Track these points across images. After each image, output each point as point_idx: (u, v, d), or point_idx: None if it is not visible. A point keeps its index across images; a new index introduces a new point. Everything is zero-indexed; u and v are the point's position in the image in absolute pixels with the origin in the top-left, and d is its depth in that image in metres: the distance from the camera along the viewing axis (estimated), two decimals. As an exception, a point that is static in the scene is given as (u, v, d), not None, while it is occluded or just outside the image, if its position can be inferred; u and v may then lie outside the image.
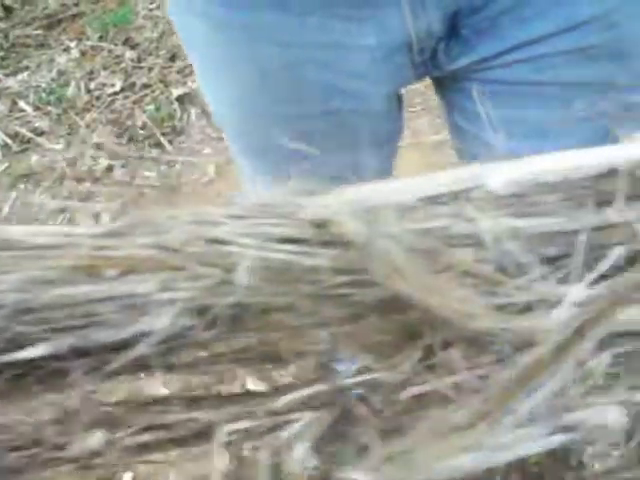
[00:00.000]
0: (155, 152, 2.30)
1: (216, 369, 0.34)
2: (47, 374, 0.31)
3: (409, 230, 0.30)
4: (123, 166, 2.29)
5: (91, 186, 2.27)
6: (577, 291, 0.30)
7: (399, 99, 0.94)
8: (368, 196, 0.32)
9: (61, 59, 2.53)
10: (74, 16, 2.63)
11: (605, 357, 0.31)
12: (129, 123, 2.35)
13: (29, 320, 0.30)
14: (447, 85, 0.91)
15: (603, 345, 0.31)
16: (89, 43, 2.56)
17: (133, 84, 2.43)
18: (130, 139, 2.33)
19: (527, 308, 0.31)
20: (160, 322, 0.31)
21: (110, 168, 2.29)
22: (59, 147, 2.33)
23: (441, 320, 0.30)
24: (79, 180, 2.28)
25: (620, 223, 0.33)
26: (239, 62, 0.86)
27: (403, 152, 2.12)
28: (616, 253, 0.31)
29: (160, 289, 0.31)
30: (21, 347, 0.30)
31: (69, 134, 2.36)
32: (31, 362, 0.31)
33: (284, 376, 0.35)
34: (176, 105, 2.34)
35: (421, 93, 2.15)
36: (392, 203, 0.32)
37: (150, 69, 2.43)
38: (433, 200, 0.33)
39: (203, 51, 0.90)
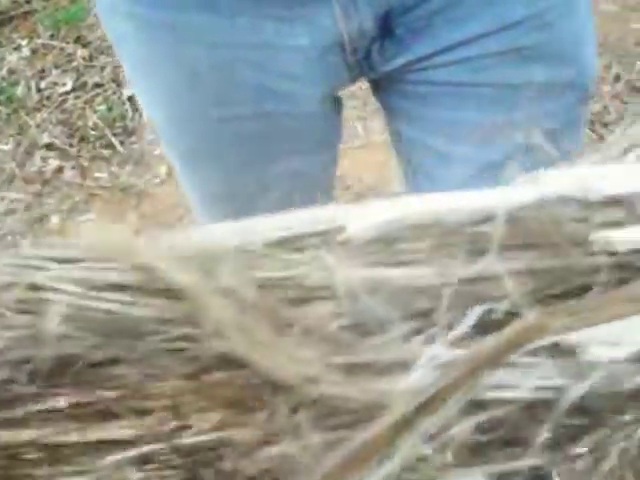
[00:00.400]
0: (106, 153, 2.25)
1: (45, 426, 0.30)
2: None
3: (247, 280, 0.27)
4: (73, 167, 2.24)
5: (41, 187, 2.22)
6: (434, 353, 0.27)
7: (336, 102, 0.92)
8: (209, 239, 0.29)
9: (12, 57, 2.47)
10: (26, 13, 2.57)
11: (468, 425, 0.28)
12: (80, 123, 2.30)
13: None
14: (383, 87, 0.90)
15: (466, 412, 0.28)
16: (40, 41, 2.50)
17: (85, 83, 2.38)
18: (81, 140, 2.28)
19: (384, 370, 0.28)
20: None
21: (60, 169, 2.24)
22: (8, 147, 2.28)
23: (281, 383, 0.27)
24: (29, 181, 2.23)
25: (495, 276, 0.30)
26: (165, 63, 0.84)
27: (355, 152, 2.11)
28: (478, 311, 0.27)
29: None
30: None
31: (19, 134, 2.30)
32: None
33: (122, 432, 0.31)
34: (128, 105, 2.29)
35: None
36: (234, 247, 0.28)
37: (102, 68, 2.38)
38: (284, 244, 0.30)
39: (130, 51, 0.88)
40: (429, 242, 0.30)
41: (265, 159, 0.91)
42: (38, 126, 2.31)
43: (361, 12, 0.77)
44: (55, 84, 2.40)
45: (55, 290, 0.28)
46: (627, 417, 0.31)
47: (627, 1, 2.40)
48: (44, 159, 2.26)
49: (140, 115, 2.28)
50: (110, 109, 2.31)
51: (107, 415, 0.30)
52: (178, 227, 2.10)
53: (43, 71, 2.43)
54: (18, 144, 2.28)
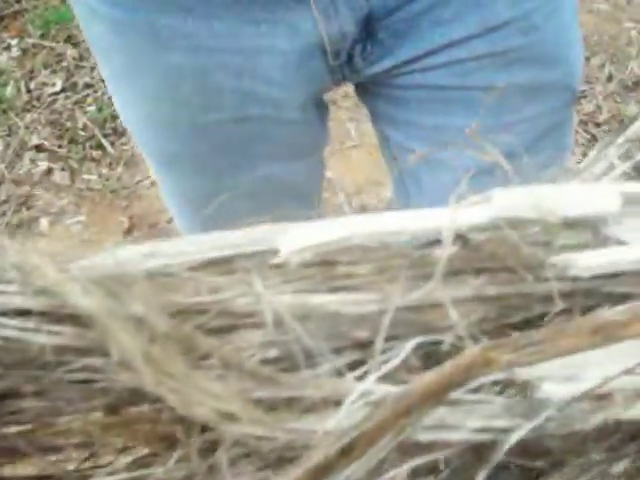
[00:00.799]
0: (96, 154, 2.22)
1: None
2: None
3: (160, 306, 0.24)
4: (63, 169, 2.21)
5: (30, 189, 2.19)
6: (365, 389, 0.24)
7: (320, 107, 0.89)
8: (122, 262, 0.26)
9: (1, 57, 2.44)
10: (16, 13, 2.54)
11: (405, 469, 0.25)
12: (70, 124, 2.27)
13: None
14: (370, 91, 0.88)
15: (402, 455, 0.25)
16: (30, 41, 2.47)
17: (75, 84, 2.35)
18: (71, 141, 2.25)
19: (311, 408, 0.25)
20: None
21: (50, 170, 2.21)
22: (-3, 149, 2.25)
23: (195, 420, 0.24)
24: (18, 183, 2.20)
25: (440, 303, 0.27)
26: (144, 67, 0.81)
27: (350, 154, 2.08)
28: (414, 343, 0.25)
29: None
30: None
31: (8, 135, 2.28)
32: None
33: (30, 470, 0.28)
34: (118, 106, 2.26)
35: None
36: (150, 271, 0.26)
37: (92, 68, 2.35)
38: (212, 266, 0.27)
39: (107, 54, 0.85)
40: (370, 266, 0.28)
41: (246, 165, 0.88)
42: (27, 127, 2.28)
43: (341, 15, 0.74)
44: (45, 84, 2.37)
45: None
46: (592, 458, 0.29)
47: (619, 1, 2.39)
48: (33, 160, 2.23)
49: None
50: (100, 110, 2.28)
51: (13, 452, 0.28)
52: (167, 230, 2.07)
53: (32, 71, 2.40)
54: (7, 145, 2.25)
